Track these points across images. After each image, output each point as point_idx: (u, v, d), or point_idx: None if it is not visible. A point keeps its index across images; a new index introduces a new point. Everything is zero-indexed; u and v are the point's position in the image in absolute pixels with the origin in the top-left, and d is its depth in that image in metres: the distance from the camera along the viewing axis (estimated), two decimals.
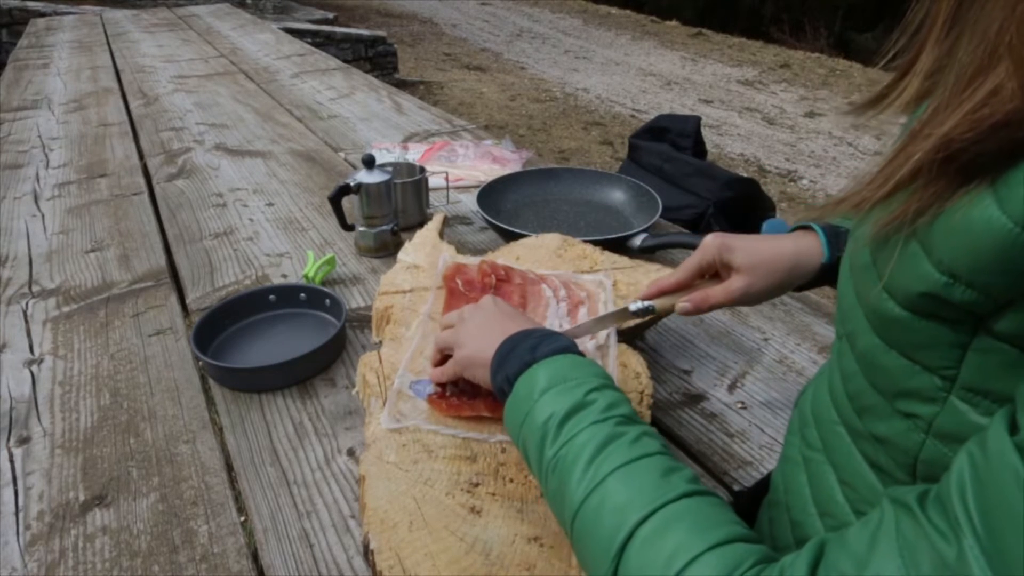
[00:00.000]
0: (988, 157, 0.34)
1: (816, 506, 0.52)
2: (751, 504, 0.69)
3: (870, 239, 0.42)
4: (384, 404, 0.70)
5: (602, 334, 0.76)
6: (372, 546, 0.55)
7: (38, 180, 1.47)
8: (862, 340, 0.45)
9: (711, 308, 0.68)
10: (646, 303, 0.70)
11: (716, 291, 0.68)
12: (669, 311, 0.71)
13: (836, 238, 0.68)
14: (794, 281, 0.68)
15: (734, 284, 0.67)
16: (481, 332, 0.63)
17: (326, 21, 6.45)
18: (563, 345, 0.57)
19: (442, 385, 0.71)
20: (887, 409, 0.44)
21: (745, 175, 2.26)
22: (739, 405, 0.81)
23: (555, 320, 0.79)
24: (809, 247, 0.68)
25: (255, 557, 0.61)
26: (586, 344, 0.75)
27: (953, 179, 0.35)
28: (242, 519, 0.65)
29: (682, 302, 0.68)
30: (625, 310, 0.71)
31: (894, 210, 0.38)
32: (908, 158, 0.37)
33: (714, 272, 0.70)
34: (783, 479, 0.59)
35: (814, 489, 0.53)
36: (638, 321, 0.80)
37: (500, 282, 0.84)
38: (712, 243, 0.68)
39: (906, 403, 0.42)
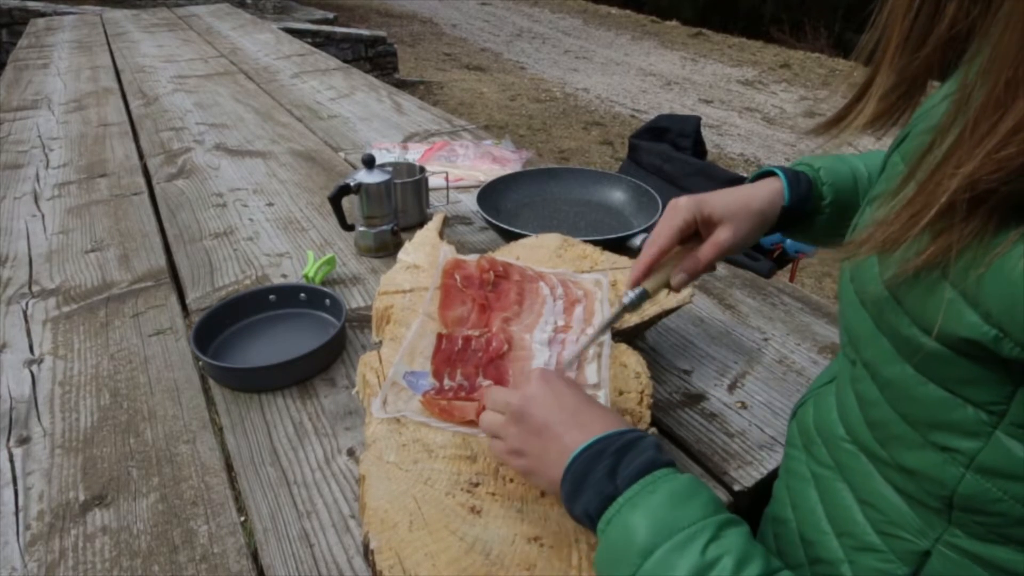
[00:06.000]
0: None
1: (832, 525, 0.51)
2: (751, 504, 0.69)
3: (894, 277, 0.40)
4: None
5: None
6: (372, 546, 0.55)
7: (38, 180, 1.47)
8: (889, 370, 0.43)
9: (705, 270, 0.64)
10: (638, 290, 0.65)
11: (704, 250, 0.64)
12: (663, 288, 0.66)
13: (797, 183, 0.67)
14: (765, 225, 0.66)
15: (721, 235, 0.63)
16: (542, 442, 0.53)
17: (326, 21, 6.45)
18: (648, 459, 0.48)
19: (439, 381, 0.71)
20: (918, 440, 0.42)
21: (745, 175, 2.26)
22: (739, 405, 0.81)
23: (551, 318, 0.79)
24: (774, 190, 0.66)
25: (255, 557, 0.61)
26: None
27: (988, 219, 0.35)
28: (242, 519, 0.65)
29: (675, 275, 0.64)
30: (621, 306, 0.66)
31: (925, 249, 0.37)
32: (933, 196, 0.36)
33: (688, 236, 0.66)
34: (789, 494, 0.57)
35: (828, 507, 0.51)
36: (638, 320, 0.80)
37: (499, 278, 0.84)
38: (684, 204, 0.64)
39: (943, 436, 0.40)
